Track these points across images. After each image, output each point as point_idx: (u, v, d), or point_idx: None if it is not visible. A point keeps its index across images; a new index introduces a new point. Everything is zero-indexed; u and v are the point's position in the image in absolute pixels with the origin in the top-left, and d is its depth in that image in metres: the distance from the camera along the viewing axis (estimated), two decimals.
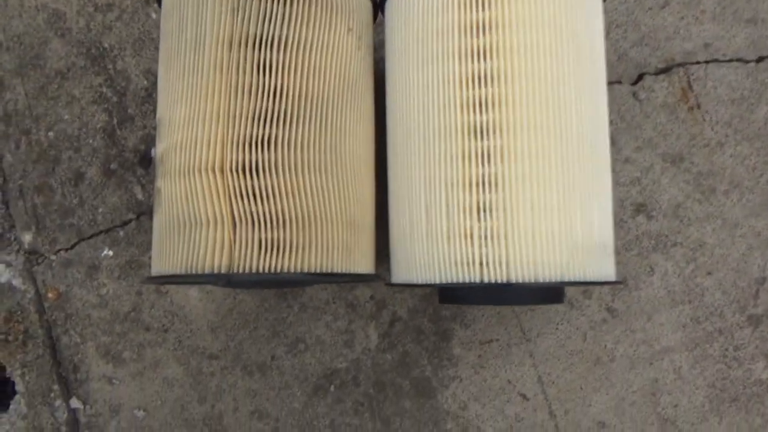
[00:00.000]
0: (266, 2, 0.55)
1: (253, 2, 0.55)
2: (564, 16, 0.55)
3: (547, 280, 0.52)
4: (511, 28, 0.54)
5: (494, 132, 0.54)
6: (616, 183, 0.76)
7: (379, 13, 0.67)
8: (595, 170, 0.57)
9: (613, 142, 0.77)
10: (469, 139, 0.54)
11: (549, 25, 0.55)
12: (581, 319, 0.74)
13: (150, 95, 0.79)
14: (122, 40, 0.80)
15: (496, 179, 0.53)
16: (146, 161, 0.78)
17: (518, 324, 0.74)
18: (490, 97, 0.54)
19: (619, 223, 0.75)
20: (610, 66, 0.78)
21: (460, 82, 0.55)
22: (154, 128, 0.78)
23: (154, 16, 0.80)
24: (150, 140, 0.78)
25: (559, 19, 0.55)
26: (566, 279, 0.53)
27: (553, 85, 0.54)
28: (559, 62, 0.55)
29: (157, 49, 0.79)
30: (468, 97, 0.55)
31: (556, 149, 0.54)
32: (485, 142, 0.54)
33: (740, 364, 0.73)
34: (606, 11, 0.78)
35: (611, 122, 0.77)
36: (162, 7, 0.63)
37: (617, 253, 0.74)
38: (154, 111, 0.78)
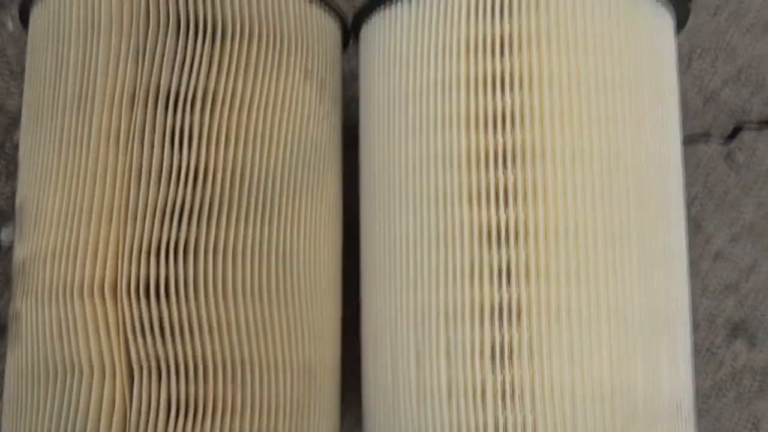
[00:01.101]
0: (185, 41, 0.61)
1: (167, 41, 0.61)
2: (617, 67, 0.62)
3: None
4: (542, 85, 0.60)
5: (519, 236, 0.59)
6: (703, 290, 0.82)
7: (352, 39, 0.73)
8: (665, 287, 0.63)
9: (699, 228, 0.83)
10: (481, 248, 0.60)
11: (596, 78, 0.61)
12: None
13: (0, 146, 0.84)
14: None
15: (519, 307, 0.59)
16: None
17: None
18: (512, 184, 0.60)
19: (707, 354, 0.81)
20: (694, 113, 0.85)
21: (468, 159, 0.61)
22: (5, 198, 0.83)
23: (10, 26, 0.86)
24: None
25: (610, 72, 0.62)
26: None
27: (604, 166, 0.61)
28: (615, 131, 0.61)
29: (12, 75, 0.85)
30: (481, 184, 0.61)
31: (608, 261, 0.60)
32: (504, 253, 0.59)
33: None
34: (688, 32, 0.85)
35: (695, 199, 0.84)
36: (29, 35, 0.68)
37: (704, 398, 0.80)
38: (8, 179, 0.83)
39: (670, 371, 0.62)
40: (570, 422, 0.58)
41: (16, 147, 0.83)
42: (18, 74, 0.85)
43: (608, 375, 0.59)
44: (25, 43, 0.75)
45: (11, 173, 0.83)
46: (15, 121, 0.84)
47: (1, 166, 0.84)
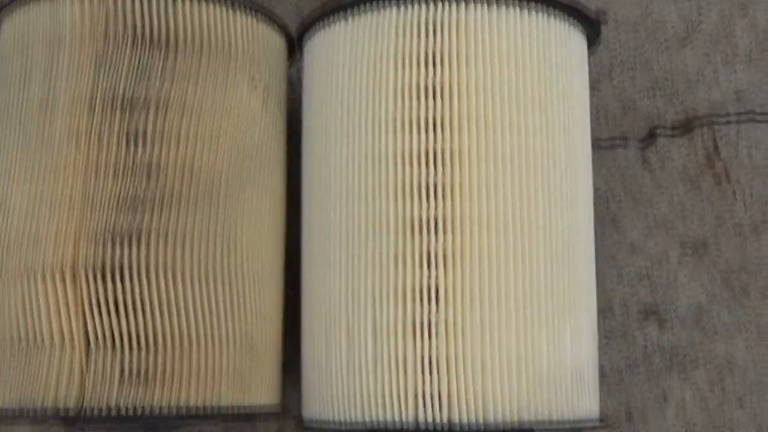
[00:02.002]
0: (141, 52, 0.67)
1: (125, 52, 0.66)
2: (529, 81, 0.68)
3: (500, 421, 0.63)
4: (461, 95, 0.67)
5: (438, 228, 0.65)
6: (619, 279, 0.88)
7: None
8: (569, 275, 0.69)
9: (615, 222, 0.90)
10: (404, 237, 0.66)
11: (509, 90, 0.68)
12: None
13: None
14: None
15: (437, 289, 0.65)
16: None
17: None
18: (433, 181, 0.66)
19: (621, 335, 0.87)
20: (613, 119, 0.92)
21: (395, 159, 0.67)
22: None
23: None
24: None
25: (522, 85, 0.68)
26: (525, 419, 0.64)
27: (515, 168, 0.67)
28: (525, 138, 0.67)
29: None
30: (406, 181, 0.67)
31: (517, 250, 0.66)
32: (425, 241, 0.65)
33: None
34: (608, 46, 0.92)
35: (613, 196, 0.90)
36: None
37: (619, 374, 0.86)
38: None
39: (572, 347, 0.68)
40: (479, 390, 0.63)
41: None
42: None
43: (515, 348, 0.65)
44: None
45: None
46: None
47: None
